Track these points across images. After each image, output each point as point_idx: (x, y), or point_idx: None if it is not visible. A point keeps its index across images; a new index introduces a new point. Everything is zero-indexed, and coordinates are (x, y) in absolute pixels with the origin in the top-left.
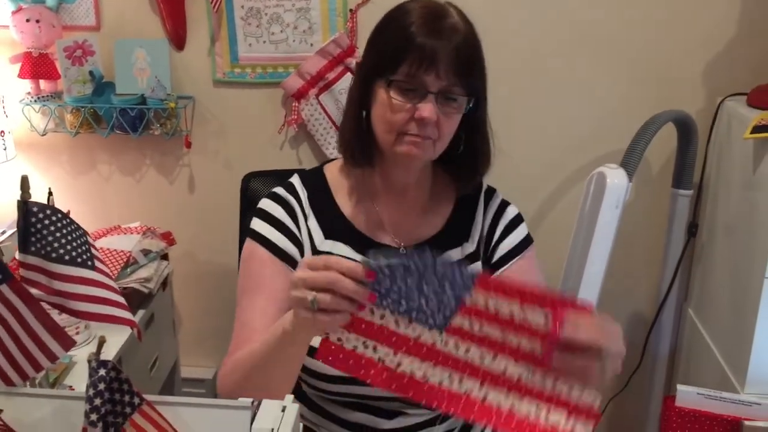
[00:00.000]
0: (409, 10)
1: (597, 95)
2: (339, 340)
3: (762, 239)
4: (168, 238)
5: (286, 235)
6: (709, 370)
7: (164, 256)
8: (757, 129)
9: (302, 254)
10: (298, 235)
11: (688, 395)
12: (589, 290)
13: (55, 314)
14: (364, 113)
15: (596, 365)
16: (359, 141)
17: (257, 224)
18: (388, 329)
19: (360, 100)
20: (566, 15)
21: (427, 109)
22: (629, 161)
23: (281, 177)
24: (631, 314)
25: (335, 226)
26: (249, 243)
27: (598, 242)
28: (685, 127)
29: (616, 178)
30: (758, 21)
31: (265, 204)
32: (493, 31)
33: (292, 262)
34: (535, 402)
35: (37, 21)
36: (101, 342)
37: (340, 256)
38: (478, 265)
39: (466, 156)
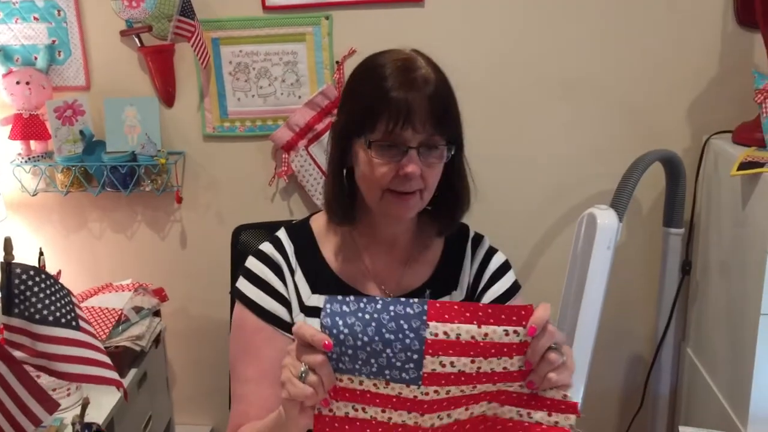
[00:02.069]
0: (378, 65)
1: (584, 136)
2: (330, 410)
3: (755, 275)
4: (160, 294)
5: (273, 297)
6: (710, 409)
7: (156, 313)
8: (743, 166)
9: (290, 312)
10: (285, 294)
11: None
12: (586, 332)
13: (44, 376)
14: (344, 171)
15: (560, 360)
16: (341, 200)
17: (244, 286)
18: (370, 392)
19: (339, 159)
20: (552, 59)
21: (410, 165)
22: (619, 201)
23: (271, 229)
24: (630, 355)
25: (322, 279)
26: (238, 307)
27: (591, 284)
28: (672, 166)
29: (606, 218)
30: (740, 59)
31: (252, 264)
32: (480, 76)
33: (281, 324)
34: (515, 408)
35: (27, 83)
36: (85, 404)
37: None
38: None
39: (448, 199)
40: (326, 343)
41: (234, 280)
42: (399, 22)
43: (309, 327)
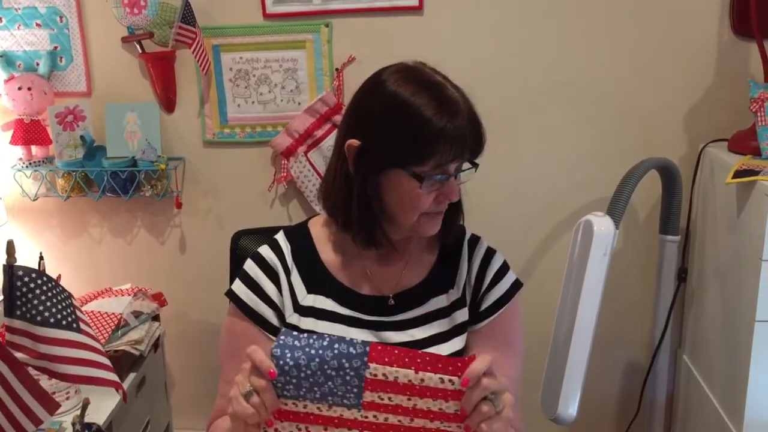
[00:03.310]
0: (409, 94)
1: (581, 144)
2: (276, 430)
3: (750, 282)
4: (159, 299)
5: (264, 301)
6: (706, 415)
7: (156, 318)
8: (738, 174)
9: (279, 316)
10: (276, 300)
11: None
12: (582, 338)
13: (44, 379)
14: (373, 197)
15: (493, 412)
16: (371, 227)
17: (238, 288)
18: (314, 414)
19: (364, 186)
20: (550, 67)
21: (453, 192)
22: (615, 209)
23: (270, 235)
24: (627, 362)
25: (318, 279)
26: (230, 307)
27: (588, 290)
28: (668, 174)
29: (602, 226)
30: (736, 68)
31: (248, 266)
32: (477, 84)
33: (269, 328)
34: None
35: (29, 89)
36: (85, 405)
37: (323, 309)
38: (464, 312)
39: (451, 206)
40: (271, 371)
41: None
42: (398, 30)
43: (260, 353)
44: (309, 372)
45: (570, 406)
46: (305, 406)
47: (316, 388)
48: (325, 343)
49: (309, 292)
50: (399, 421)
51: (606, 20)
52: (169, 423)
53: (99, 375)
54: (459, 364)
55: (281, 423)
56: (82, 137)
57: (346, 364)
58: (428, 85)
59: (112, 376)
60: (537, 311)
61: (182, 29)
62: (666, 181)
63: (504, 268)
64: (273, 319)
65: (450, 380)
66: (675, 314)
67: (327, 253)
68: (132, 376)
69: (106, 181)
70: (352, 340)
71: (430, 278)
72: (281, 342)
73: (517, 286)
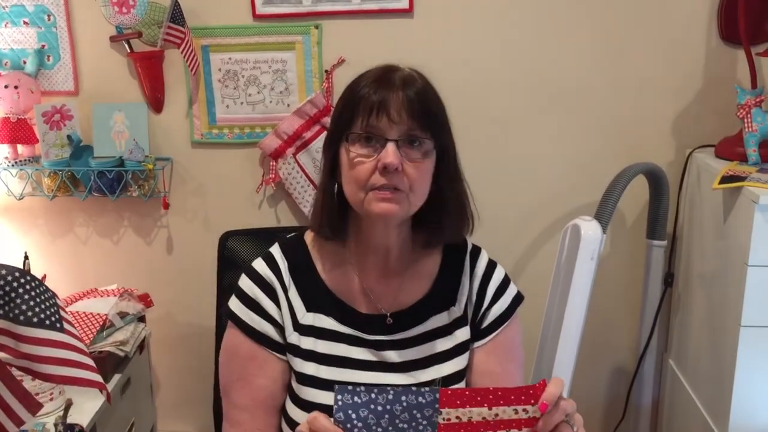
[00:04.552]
0: (363, 75)
1: (569, 148)
2: None
3: (736, 288)
4: (145, 300)
5: (265, 319)
6: (691, 420)
7: (141, 319)
8: (725, 179)
9: (281, 334)
10: (277, 317)
11: None
12: (569, 342)
13: (28, 380)
14: (335, 186)
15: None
16: (331, 214)
17: (237, 307)
18: None
19: (329, 170)
20: (537, 71)
21: (388, 155)
22: (602, 213)
23: (258, 236)
24: (613, 366)
25: (317, 297)
26: (231, 329)
27: (575, 294)
28: (656, 179)
29: (590, 230)
30: (723, 75)
31: (244, 284)
32: (466, 87)
33: (273, 346)
34: None
35: (16, 87)
36: (68, 405)
37: (323, 328)
38: (466, 330)
39: (435, 207)
40: None
41: (221, 287)
42: (388, 32)
43: (322, 419)
44: (380, 430)
45: None
46: None
47: None
48: (391, 397)
49: (308, 310)
50: None
51: (595, 26)
52: (153, 425)
53: (82, 375)
54: (531, 392)
55: None
56: (68, 136)
57: (418, 415)
58: (384, 67)
59: (96, 377)
60: (524, 315)
61: (171, 29)
62: (653, 186)
63: (505, 283)
64: (276, 336)
65: (524, 410)
66: (661, 319)
67: (324, 268)
68: (117, 377)
69: (93, 180)
70: (420, 389)
71: (430, 295)
72: (341, 403)
73: (518, 300)
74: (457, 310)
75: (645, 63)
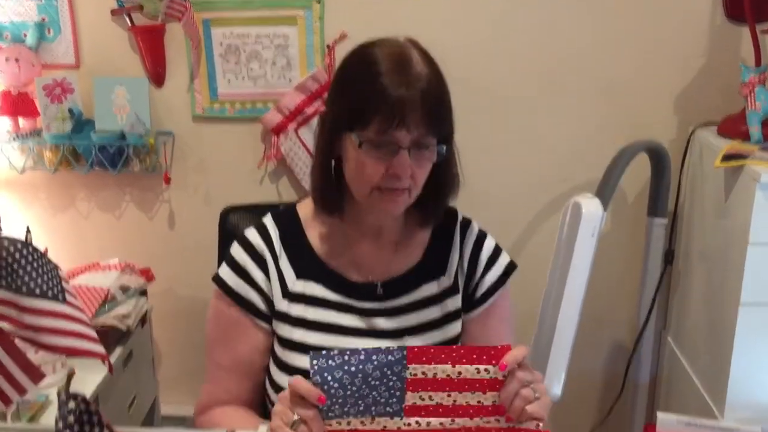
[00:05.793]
0: (372, 59)
1: (570, 126)
2: None
3: (735, 266)
4: (147, 274)
5: (252, 287)
6: (689, 397)
7: (143, 293)
8: (727, 157)
9: (267, 303)
10: (264, 285)
11: (668, 423)
12: (568, 319)
13: (31, 353)
14: (333, 162)
15: (533, 396)
16: (328, 191)
17: (226, 274)
18: (358, 429)
19: (328, 150)
20: (539, 47)
21: (400, 165)
22: (604, 191)
23: (259, 212)
24: (611, 343)
25: (308, 265)
26: (217, 293)
27: (575, 271)
28: (657, 157)
29: (591, 207)
30: (727, 52)
31: (235, 251)
32: (468, 63)
33: (258, 314)
34: None
35: (17, 60)
36: (70, 375)
37: (313, 296)
38: (456, 299)
39: (432, 190)
40: (321, 397)
41: (221, 261)
42: (390, 7)
43: (304, 382)
44: (354, 388)
45: (554, 386)
46: (349, 423)
47: (360, 402)
48: (362, 357)
49: (299, 277)
50: (441, 424)
51: (597, 3)
52: (155, 398)
53: (85, 346)
54: (492, 353)
55: None
56: (70, 110)
57: (388, 372)
58: (392, 53)
59: (98, 348)
60: (524, 291)
61: (173, 2)
62: (655, 164)
63: (496, 252)
64: (261, 305)
65: (485, 369)
66: (661, 296)
67: (316, 238)
68: (119, 350)
69: (94, 154)
70: (387, 348)
71: (420, 265)
72: (317, 367)
73: (510, 268)
74: (446, 280)
75: (649, 40)
